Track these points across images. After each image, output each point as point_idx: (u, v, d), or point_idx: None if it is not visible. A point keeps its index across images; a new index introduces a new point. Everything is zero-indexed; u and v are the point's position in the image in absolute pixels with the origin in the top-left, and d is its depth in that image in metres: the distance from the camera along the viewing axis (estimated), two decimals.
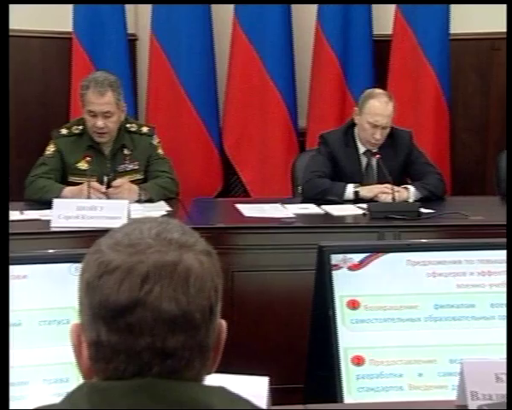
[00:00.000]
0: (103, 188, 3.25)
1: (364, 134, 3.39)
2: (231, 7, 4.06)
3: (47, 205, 3.03)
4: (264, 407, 1.58)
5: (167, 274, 0.97)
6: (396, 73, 3.96)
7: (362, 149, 3.48)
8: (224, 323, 1.05)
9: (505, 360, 1.80)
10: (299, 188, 3.58)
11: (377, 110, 3.33)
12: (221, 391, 1.01)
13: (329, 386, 2.15)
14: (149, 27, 4.12)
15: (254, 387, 1.61)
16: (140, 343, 0.96)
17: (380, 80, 3.97)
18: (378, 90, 3.49)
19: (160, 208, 3.16)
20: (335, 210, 3.27)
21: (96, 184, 3.22)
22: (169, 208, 3.22)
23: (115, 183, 3.26)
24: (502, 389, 1.75)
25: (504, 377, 1.75)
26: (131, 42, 4.27)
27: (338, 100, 4.06)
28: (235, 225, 3.16)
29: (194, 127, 4.08)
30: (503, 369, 1.78)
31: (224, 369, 1.80)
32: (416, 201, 3.33)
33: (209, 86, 4.12)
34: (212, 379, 1.05)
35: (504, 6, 3.98)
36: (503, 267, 2.15)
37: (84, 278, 1.00)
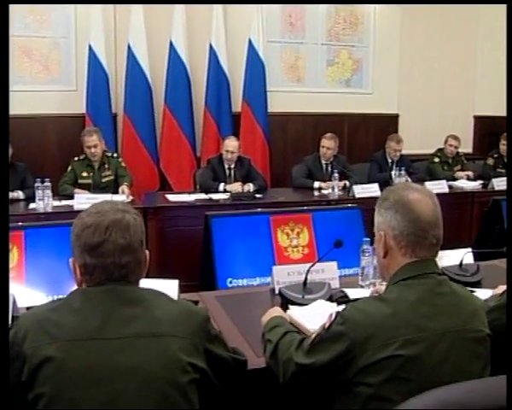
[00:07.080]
0: None
1: (224, 156, 3.49)
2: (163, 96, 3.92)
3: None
4: (176, 296, 1.47)
5: (118, 225, 0.94)
6: (244, 132, 4.04)
7: (226, 166, 3.54)
8: (147, 252, 0.98)
9: (296, 265, 1.72)
10: (198, 186, 3.59)
11: (228, 143, 3.47)
12: (150, 290, 0.96)
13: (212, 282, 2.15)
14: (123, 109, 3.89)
15: (170, 285, 1.53)
16: (107, 261, 0.93)
17: (237, 136, 3.96)
18: (230, 136, 3.63)
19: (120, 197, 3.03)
20: (216, 196, 3.28)
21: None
22: (132, 197, 3.14)
23: None
24: (291, 278, 1.70)
25: (292, 272, 1.67)
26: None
27: (215, 143, 4.06)
28: (165, 205, 3.11)
29: (144, 157, 3.94)
30: (293, 269, 1.72)
31: (155, 276, 1.59)
32: (254, 190, 3.41)
33: (153, 137, 3.97)
34: (146, 282, 0.98)
35: None
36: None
37: (74, 233, 0.95)
